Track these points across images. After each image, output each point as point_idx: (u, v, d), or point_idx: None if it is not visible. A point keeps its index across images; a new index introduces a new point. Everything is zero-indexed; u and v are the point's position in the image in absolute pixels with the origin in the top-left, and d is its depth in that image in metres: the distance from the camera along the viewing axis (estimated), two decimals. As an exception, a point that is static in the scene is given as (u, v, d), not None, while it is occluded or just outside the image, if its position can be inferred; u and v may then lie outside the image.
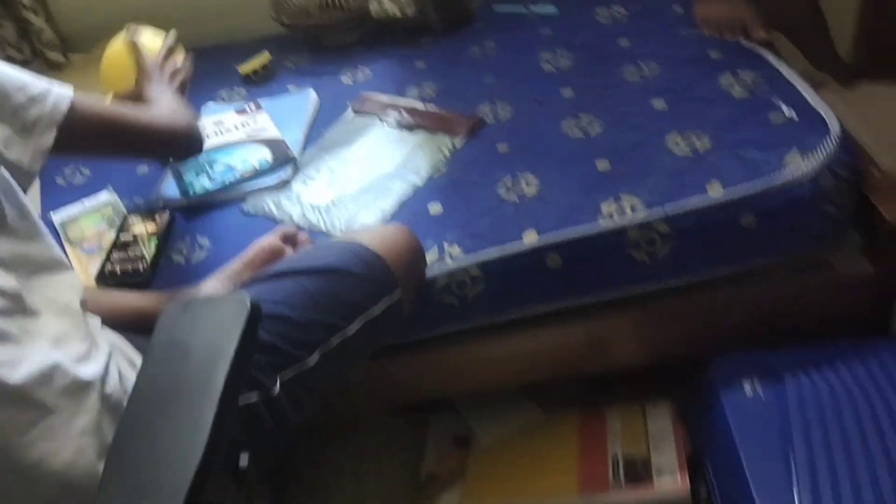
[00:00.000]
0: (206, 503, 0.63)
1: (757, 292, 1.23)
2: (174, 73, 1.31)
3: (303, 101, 1.58)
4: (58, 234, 1.35)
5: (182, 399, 0.66)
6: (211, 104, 1.63)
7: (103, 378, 0.81)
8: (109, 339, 0.89)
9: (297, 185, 1.36)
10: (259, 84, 1.70)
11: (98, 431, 0.78)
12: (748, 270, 1.20)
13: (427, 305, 1.16)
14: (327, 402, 1.18)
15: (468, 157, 1.35)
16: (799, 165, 1.14)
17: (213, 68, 1.70)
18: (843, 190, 1.14)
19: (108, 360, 0.83)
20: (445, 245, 1.18)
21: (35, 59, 1.85)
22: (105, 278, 1.24)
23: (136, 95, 1.24)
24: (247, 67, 1.71)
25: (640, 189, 1.18)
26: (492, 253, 1.16)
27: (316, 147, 1.45)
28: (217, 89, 1.69)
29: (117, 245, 1.28)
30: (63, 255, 0.90)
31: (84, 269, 1.28)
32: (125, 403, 0.73)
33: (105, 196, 1.42)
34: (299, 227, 1.25)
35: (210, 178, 1.38)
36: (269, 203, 1.33)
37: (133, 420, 0.66)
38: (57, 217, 1.39)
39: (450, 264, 1.16)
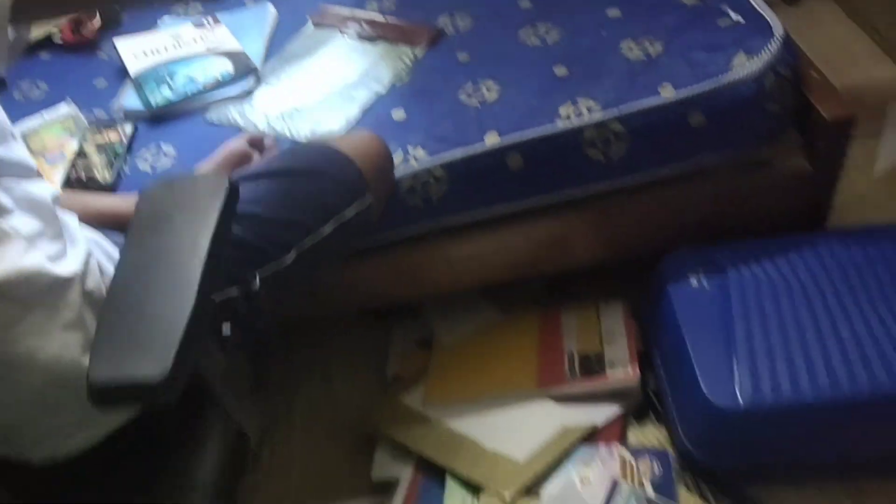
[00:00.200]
0: (194, 362, 0.68)
1: (704, 191, 1.29)
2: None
3: (261, 14, 1.57)
4: (18, 147, 1.34)
5: (170, 262, 0.69)
6: (167, 17, 1.62)
7: (83, 274, 0.81)
8: (87, 236, 0.89)
9: (260, 95, 1.37)
10: (215, -1, 1.68)
11: (81, 326, 0.79)
12: (697, 170, 1.26)
13: (393, 207, 1.20)
14: (300, 304, 1.23)
15: (429, 66, 1.38)
16: (745, 66, 1.20)
17: (167, -19, 1.68)
18: (786, 89, 1.21)
19: (87, 257, 0.83)
20: (410, 148, 1.22)
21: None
22: (71, 185, 1.25)
23: None
24: (202, -20, 1.69)
25: (596, 92, 1.23)
26: (455, 154, 1.20)
27: (277, 59, 1.46)
28: (172, 3, 1.67)
29: (81, 153, 1.28)
30: (34, 164, 0.89)
31: (48, 178, 1.28)
32: None
33: (64, 108, 1.41)
34: (265, 135, 1.27)
35: (171, 88, 1.38)
36: (234, 112, 1.34)
37: (122, 283, 0.69)
38: (16, 130, 1.37)
39: (414, 165, 1.20)
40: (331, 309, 1.39)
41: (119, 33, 1.57)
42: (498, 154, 1.20)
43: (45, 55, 1.62)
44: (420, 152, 1.21)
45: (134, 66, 1.44)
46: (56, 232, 0.83)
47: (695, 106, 1.19)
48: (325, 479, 1.32)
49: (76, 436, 0.82)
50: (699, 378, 1.11)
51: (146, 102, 1.37)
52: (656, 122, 1.20)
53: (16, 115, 1.41)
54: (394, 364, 1.46)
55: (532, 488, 1.19)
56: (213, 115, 1.35)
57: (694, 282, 1.23)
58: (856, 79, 1.69)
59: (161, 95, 1.37)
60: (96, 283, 0.82)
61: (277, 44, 1.51)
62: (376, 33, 1.46)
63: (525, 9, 1.46)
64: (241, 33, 1.50)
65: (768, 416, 1.07)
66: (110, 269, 0.87)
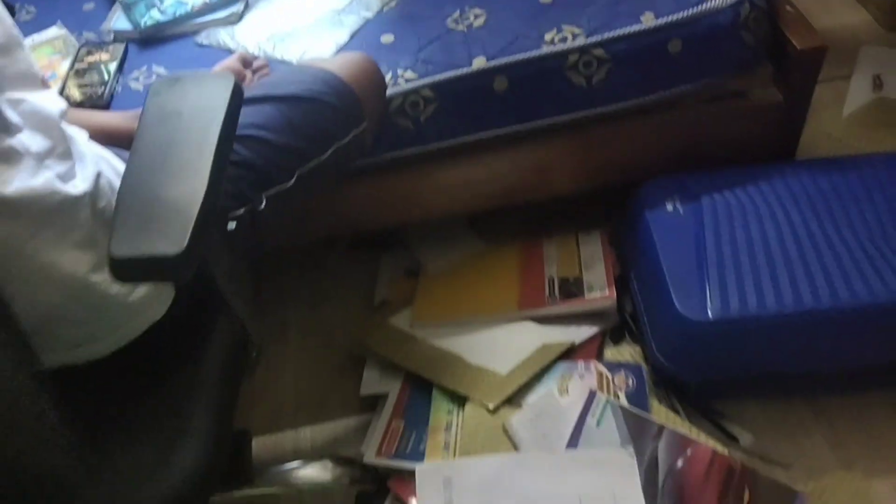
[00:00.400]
0: (206, 247, 0.71)
1: (681, 121, 1.34)
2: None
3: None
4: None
5: (181, 152, 0.72)
6: (153, -57, 1.61)
7: (93, 192, 0.80)
8: (96, 152, 0.88)
9: (249, 18, 1.39)
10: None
11: (93, 244, 0.79)
12: (674, 99, 1.31)
13: (383, 129, 1.23)
14: (291, 229, 1.26)
15: (416, -7, 1.40)
16: (722, -5, 1.25)
17: None
18: (761, 20, 1.26)
19: (97, 176, 0.82)
20: (399, 70, 1.25)
21: None
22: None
23: None
24: None
25: (580, 19, 1.26)
26: (444, 75, 1.23)
27: (265, -16, 1.47)
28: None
29: (74, 72, 1.29)
30: (40, 72, 0.87)
31: (40, 97, 1.29)
32: None
33: (54, 30, 1.41)
34: (255, 57, 1.29)
35: (160, 10, 1.39)
36: (224, 35, 1.36)
37: (136, 171, 0.72)
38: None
39: (403, 86, 1.23)
40: (322, 234, 1.43)
41: (107, -43, 1.56)
42: (484, 76, 1.24)
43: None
44: (409, 74, 1.24)
45: (122, -11, 1.44)
46: (65, 150, 0.81)
47: (674, 33, 1.23)
48: (316, 397, 1.37)
49: (94, 345, 0.83)
50: (672, 294, 1.17)
51: (135, 23, 1.38)
52: (637, 49, 1.24)
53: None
54: (382, 290, 1.50)
55: (514, 399, 1.24)
56: (203, 37, 1.36)
57: (669, 207, 1.29)
58: (828, 23, 1.75)
59: (151, 17, 1.38)
60: (107, 201, 0.81)
61: (265, -29, 1.51)
62: (364, -39, 1.47)
63: (512, -61, 1.48)
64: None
65: (735, 327, 1.14)
66: None
